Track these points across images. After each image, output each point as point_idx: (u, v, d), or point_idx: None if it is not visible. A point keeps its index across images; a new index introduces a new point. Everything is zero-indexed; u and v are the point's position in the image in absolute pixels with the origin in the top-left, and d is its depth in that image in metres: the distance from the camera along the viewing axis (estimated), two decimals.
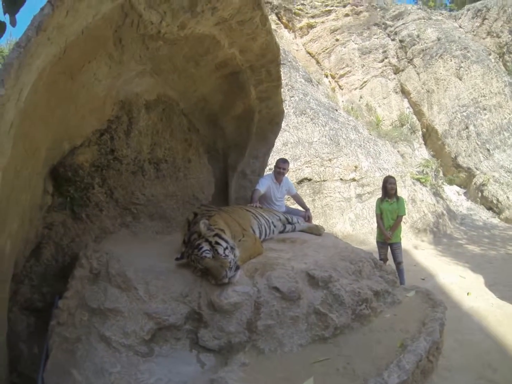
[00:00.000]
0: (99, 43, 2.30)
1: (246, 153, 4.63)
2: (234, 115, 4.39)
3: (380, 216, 4.92)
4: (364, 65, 13.22)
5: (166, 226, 3.61)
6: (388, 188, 4.85)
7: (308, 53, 12.87)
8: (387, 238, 4.74)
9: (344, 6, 13.10)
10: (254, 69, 3.91)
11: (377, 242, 5.02)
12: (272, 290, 2.40)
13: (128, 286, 2.38)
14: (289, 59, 10.67)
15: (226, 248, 2.46)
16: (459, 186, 11.92)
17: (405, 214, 4.90)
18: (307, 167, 8.39)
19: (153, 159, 3.49)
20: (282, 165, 4.44)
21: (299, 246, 3.30)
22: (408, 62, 13.27)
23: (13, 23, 1.80)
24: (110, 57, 2.54)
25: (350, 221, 8.43)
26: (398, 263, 4.67)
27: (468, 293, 4.48)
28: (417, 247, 7.84)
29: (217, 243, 2.45)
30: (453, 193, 11.61)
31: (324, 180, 8.49)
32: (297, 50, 12.39)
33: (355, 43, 13.19)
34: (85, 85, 2.47)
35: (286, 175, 4.64)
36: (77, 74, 2.29)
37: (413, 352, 2.00)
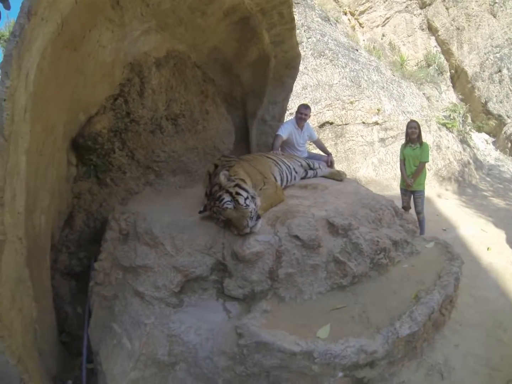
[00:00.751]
0: (96, 9, 2.23)
1: (264, 99, 4.51)
2: (249, 62, 4.22)
3: (403, 162, 4.73)
4: (386, 0, 11.80)
5: (189, 179, 3.68)
6: (409, 132, 4.60)
7: None
8: (409, 185, 4.59)
9: None
10: (265, 13, 3.65)
11: (400, 188, 4.89)
12: (292, 239, 2.42)
13: (155, 243, 2.50)
14: None
15: (247, 198, 2.45)
16: (488, 134, 11.16)
17: (428, 161, 4.65)
18: (328, 110, 8.04)
19: (170, 115, 3.45)
20: (304, 111, 4.32)
21: (320, 192, 3.27)
22: None
23: (7, 6, 1.71)
24: (111, 21, 2.47)
25: (373, 166, 8.22)
26: (418, 213, 4.57)
27: (488, 248, 4.36)
28: (440, 196, 7.61)
29: (237, 193, 2.45)
30: (481, 141, 10.92)
31: (346, 124, 8.16)
32: None
33: None
34: (90, 54, 2.42)
35: (307, 121, 4.54)
36: (80, 44, 2.25)
37: (426, 305, 2.03)
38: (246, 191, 2.51)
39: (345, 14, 11.88)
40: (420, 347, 2.11)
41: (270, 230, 2.48)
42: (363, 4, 11.83)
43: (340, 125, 8.10)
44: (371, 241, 2.55)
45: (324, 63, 8.56)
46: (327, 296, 2.26)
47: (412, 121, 4.80)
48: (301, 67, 7.53)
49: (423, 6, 12.01)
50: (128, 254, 2.51)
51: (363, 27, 12.07)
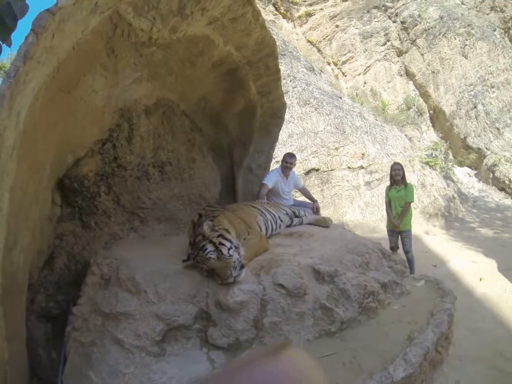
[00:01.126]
0: (92, 56, 2.31)
1: (250, 148, 4.60)
2: (236, 112, 4.36)
3: (388, 204, 4.84)
4: (366, 50, 12.91)
5: (174, 227, 3.65)
6: (393, 174, 4.76)
7: (309, 41, 12.62)
8: (395, 226, 4.66)
9: None
10: (251, 64, 3.85)
11: (387, 230, 4.95)
12: (277, 287, 2.40)
13: (138, 290, 2.42)
14: (290, 50, 10.47)
15: (231, 248, 2.45)
16: (470, 167, 11.59)
17: (413, 201, 4.78)
18: (314, 157, 8.28)
19: (157, 163, 3.51)
20: (289, 160, 4.42)
21: (305, 240, 3.28)
22: (411, 44, 12.89)
23: (9, 44, 1.82)
24: (105, 68, 2.55)
25: (360, 209, 8.33)
26: (406, 252, 4.59)
27: (480, 279, 4.38)
28: (428, 233, 7.70)
29: (221, 243, 2.45)
30: (463, 175, 11.32)
31: (331, 170, 8.39)
32: (297, 40, 12.15)
33: (356, 28, 12.87)
34: (82, 97, 2.49)
35: (293, 169, 4.62)
36: (74, 88, 2.31)
37: (420, 345, 1.97)
38: (230, 241, 2.52)
39: (329, 64, 12.80)
40: None
41: (255, 279, 2.47)
42: (345, 54, 12.81)
43: (326, 171, 8.31)
44: (358, 285, 2.54)
45: (309, 111, 8.94)
46: (315, 344, 2.18)
47: (395, 163, 4.99)
48: (287, 116, 7.70)
49: (400, 54, 13.10)
50: (109, 300, 2.41)
51: (346, 76, 12.95)
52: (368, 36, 12.89)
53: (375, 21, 13.02)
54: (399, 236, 4.73)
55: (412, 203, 4.76)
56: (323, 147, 8.50)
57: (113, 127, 3.00)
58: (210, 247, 2.43)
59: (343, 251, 2.95)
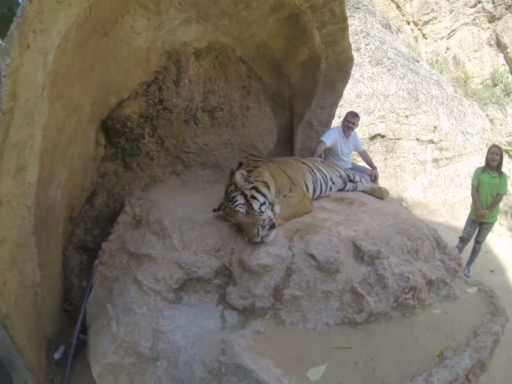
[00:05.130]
0: None
1: (313, 102, 4.10)
2: (299, 62, 3.87)
3: (476, 188, 4.00)
4: (452, 11, 10.52)
5: (219, 175, 3.43)
6: (489, 158, 3.94)
7: None
8: (481, 216, 3.87)
9: None
10: (315, 9, 3.29)
11: (468, 218, 4.17)
12: (308, 257, 2.04)
13: (164, 234, 2.29)
14: (365, 3, 9.03)
15: (264, 203, 2.13)
16: None
17: (506, 194, 3.91)
18: (381, 122, 7.34)
19: (207, 107, 3.22)
20: (351, 119, 3.90)
21: (355, 208, 2.80)
22: (506, 9, 10.21)
23: None
24: (146, 9, 2.32)
25: (423, 187, 7.37)
26: (477, 242, 3.88)
27: None
28: (492, 230, 6.48)
29: (253, 197, 2.13)
30: None
31: (398, 138, 7.41)
32: None
33: None
34: (123, 39, 2.30)
35: (354, 130, 4.10)
36: (111, 30, 2.15)
37: (450, 369, 1.51)
38: (264, 195, 2.19)
39: (408, 23, 10.84)
40: None
41: (286, 243, 2.12)
42: (428, 14, 10.64)
43: (392, 139, 7.37)
44: (400, 275, 2.07)
45: (381, 72, 7.83)
46: (334, 330, 1.84)
47: (494, 146, 4.18)
48: (356, 75, 7.17)
49: (492, 19, 10.51)
50: (136, 240, 2.34)
51: (426, 38, 10.91)
52: None
53: None
54: (478, 227, 3.96)
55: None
56: (392, 112, 7.47)
57: (159, 70, 2.75)
58: (240, 199, 2.13)
59: (392, 230, 2.44)
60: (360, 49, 7.67)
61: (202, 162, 3.29)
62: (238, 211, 2.10)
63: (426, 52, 10.66)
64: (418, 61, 8.97)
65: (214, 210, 2.38)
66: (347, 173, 3.41)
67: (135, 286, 2.16)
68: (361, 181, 3.47)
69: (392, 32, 9.38)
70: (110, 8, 1.99)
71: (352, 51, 4.24)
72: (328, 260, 2.01)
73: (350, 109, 4.96)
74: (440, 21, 10.72)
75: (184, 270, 2.16)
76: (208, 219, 2.37)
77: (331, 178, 3.12)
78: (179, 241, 2.24)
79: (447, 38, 10.83)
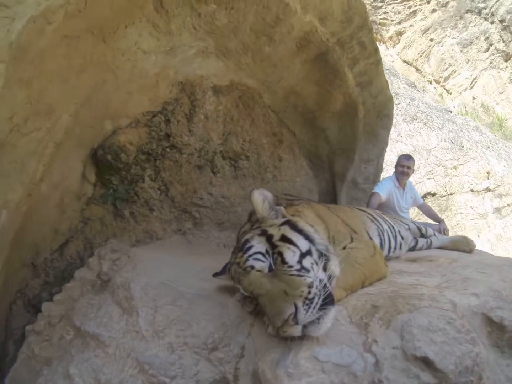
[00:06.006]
0: (135, 4, 1.84)
1: (355, 157, 3.54)
2: (334, 112, 3.43)
3: None
4: (468, 60, 10.60)
5: None
6: None
7: (405, 62, 11.10)
8: None
9: (428, 2, 11.01)
10: (343, 44, 2.96)
11: None
12: (413, 365, 1.00)
13: (130, 307, 1.40)
14: (387, 67, 9.48)
15: (308, 253, 1.17)
16: None
17: None
18: (428, 179, 6.62)
19: (228, 153, 2.62)
20: (406, 162, 3.24)
21: (447, 265, 1.78)
22: None
23: None
24: (154, 26, 2.02)
25: (490, 244, 6.16)
26: None
27: None
28: None
29: (285, 238, 1.19)
30: None
31: (451, 194, 6.58)
32: (392, 62, 10.81)
33: (452, 38, 10.79)
34: (125, 53, 1.96)
35: (410, 180, 3.42)
36: (111, 37, 1.84)
37: None
38: (307, 237, 1.24)
39: (430, 83, 10.93)
40: None
41: (356, 336, 1.09)
42: (446, 69, 10.76)
43: (444, 195, 6.52)
44: None
45: (418, 127, 7.46)
46: None
47: None
48: (394, 134, 6.85)
49: (507, 58, 10.38)
50: (90, 309, 1.49)
51: (450, 93, 10.78)
52: (467, 44, 10.64)
53: (471, 26, 10.74)
54: None
55: None
56: (438, 166, 6.82)
57: (169, 101, 2.32)
58: (257, 244, 1.19)
59: None
60: None
61: (219, 220, 2.50)
62: (253, 266, 1.14)
63: (454, 107, 10.41)
64: (451, 111, 8.76)
65: (216, 275, 1.47)
66: (417, 225, 2.54)
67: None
68: (435, 235, 2.58)
69: (418, 90, 9.41)
70: (111, 11, 1.72)
71: None
72: (463, 365, 0.98)
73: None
74: (459, 73, 10.72)
75: (147, 377, 1.16)
76: (205, 291, 1.47)
77: (399, 231, 2.16)
78: (149, 322, 1.35)
79: (471, 88, 10.68)
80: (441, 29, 11.11)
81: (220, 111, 2.54)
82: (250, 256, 1.16)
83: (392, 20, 11.26)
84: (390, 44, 11.40)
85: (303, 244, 1.19)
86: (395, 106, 7.89)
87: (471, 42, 10.85)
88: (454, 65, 10.82)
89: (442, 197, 6.46)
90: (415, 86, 9.58)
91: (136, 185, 2.20)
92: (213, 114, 2.49)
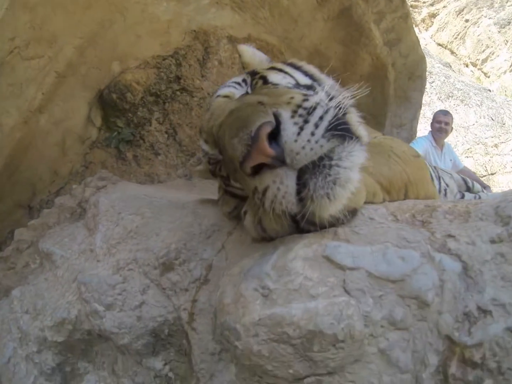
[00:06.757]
0: None
1: (386, 122, 3.37)
2: (362, 75, 3.21)
3: None
4: (507, 41, 9.68)
5: None
6: None
7: (439, 45, 10.35)
8: None
9: None
10: None
11: None
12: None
13: (95, 223, 1.21)
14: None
15: (307, 88, 0.85)
16: None
17: None
18: (467, 157, 6.18)
19: None
20: (443, 118, 2.98)
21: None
22: None
23: None
24: None
25: None
26: None
27: None
28: None
29: (275, 70, 0.92)
30: None
31: (492, 173, 6.16)
32: (426, 45, 10.01)
33: (489, 18, 9.91)
34: None
35: (449, 143, 3.18)
36: None
37: None
38: (313, 78, 0.91)
39: (467, 66, 10.15)
40: None
41: (412, 233, 0.64)
42: (483, 51, 9.88)
43: (485, 175, 6.09)
44: None
45: (454, 104, 7.09)
46: None
47: None
48: (428, 114, 6.27)
49: None
50: (60, 233, 1.32)
51: (489, 77, 9.88)
52: (505, 24, 9.74)
53: (509, 6, 9.84)
54: None
55: None
56: (478, 144, 6.41)
57: (182, 47, 2.17)
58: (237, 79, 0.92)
59: None
60: (426, 88, 6.86)
61: None
62: (219, 95, 0.87)
63: (492, 91, 9.42)
64: (490, 90, 8.13)
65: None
66: (462, 177, 2.25)
67: (12, 317, 1.09)
68: (483, 191, 2.34)
69: (453, 70, 8.87)
70: None
71: None
72: None
73: None
74: (498, 55, 9.82)
75: (82, 303, 0.97)
76: (180, 201, 1.23)
77: (442, 177, 1.94)
78: (106, 238, 1.12)
79: (510, 71, 9.76)
80: (476, 9, 10.31)
81: (235, 59, 2.38)
82: (222, 87, 0.90)
83: (424, 2, 10.61)
84: (423, 27, 10.75)
85: (302, 78, 0.87)
86: (429, 84, 7.42)
87: (509, 22, 9.99)
88: (491, 46, 9.96)
89: (482, 177, 5.92)
90: (451, 66, 9.06)
91: (142, 128, 2.09)
92: (228, 60, 2.35)
